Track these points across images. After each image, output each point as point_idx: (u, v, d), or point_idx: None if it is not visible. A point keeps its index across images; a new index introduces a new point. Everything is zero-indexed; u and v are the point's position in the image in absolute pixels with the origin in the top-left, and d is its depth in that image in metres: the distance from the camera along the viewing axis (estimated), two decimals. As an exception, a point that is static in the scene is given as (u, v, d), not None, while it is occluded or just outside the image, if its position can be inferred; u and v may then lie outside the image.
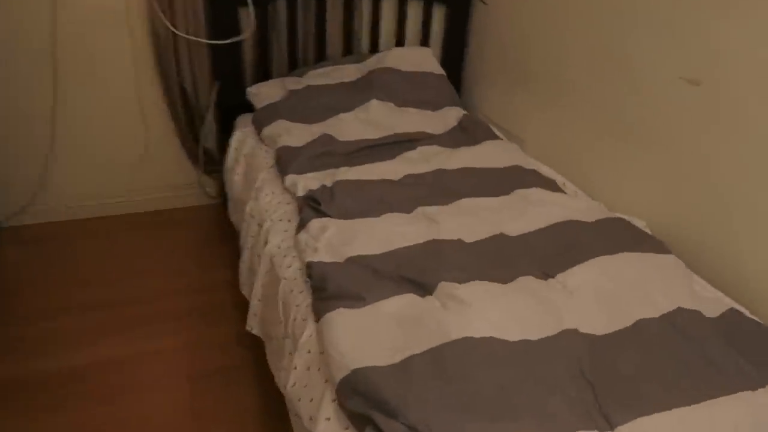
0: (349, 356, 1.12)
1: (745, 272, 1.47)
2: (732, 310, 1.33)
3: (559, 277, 1.39)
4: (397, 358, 1.10)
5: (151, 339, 2.03)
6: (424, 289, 1.34)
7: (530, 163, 2.09)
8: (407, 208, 1.74)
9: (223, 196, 2.70)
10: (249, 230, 1.96)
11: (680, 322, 1.25)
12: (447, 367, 1.06)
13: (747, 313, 1.35)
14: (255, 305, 1.77)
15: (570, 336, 1.18)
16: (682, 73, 1.66)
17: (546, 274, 1.41)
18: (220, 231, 2.65)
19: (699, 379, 1.10)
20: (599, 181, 2.00)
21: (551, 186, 1.91)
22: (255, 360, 1.93)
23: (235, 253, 2.10)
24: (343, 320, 1.24)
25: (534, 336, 1.17)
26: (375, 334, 1.19)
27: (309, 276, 1.44)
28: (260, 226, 1.87)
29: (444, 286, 1.32)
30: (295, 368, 1.30)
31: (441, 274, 1.36)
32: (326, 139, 2.13)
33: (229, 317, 2.14)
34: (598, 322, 1.24)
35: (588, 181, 2.04)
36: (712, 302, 1.36)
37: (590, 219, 1.66)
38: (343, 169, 1.94)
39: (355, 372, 1.08)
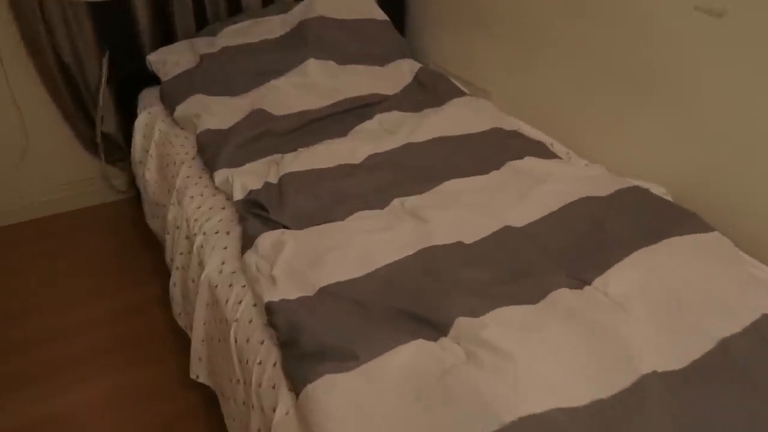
0: None
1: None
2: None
3: (598, 283, 1.08)
4: None
5: (75, 388, 1.60)
6: (434, 327, 1.00)
7: (510, 123, 1.75)
8: (380, 201, 1.37)
9: (135, 188, 2.21)
10: (176, 245, 1.53)
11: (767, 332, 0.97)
12: None
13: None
14: (198, 348, 1.37)
15: (650, 383, 0.88)
16: (699, 1, 1.34)
17: (580, 281, 1.09)
18: (137, 232, 2.17)
19: None
20: (591, 139, 1.70)
21: (543, 152, 1.58)
22: (209, 404, 1.53)
23: (162, 260, 1.66)
24: (335, 395, 0.88)
25: (606, 391, 0.86)
26: (387, 417, 0.84)
27: (271, 324, 1.06)
28: (190, 240, 1.44)
29: (462, 324, 0.98)
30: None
31: (451, 303, 1.02)
32: (259, 115, 1.69)
33: (168, 349, 1.72)
34: (673, 351, 0.94)
35: (578, 140, 1.73)
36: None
37: (604, 192, 1.35)
38: (288, 156, 1.52)
39: None
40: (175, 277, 1.53)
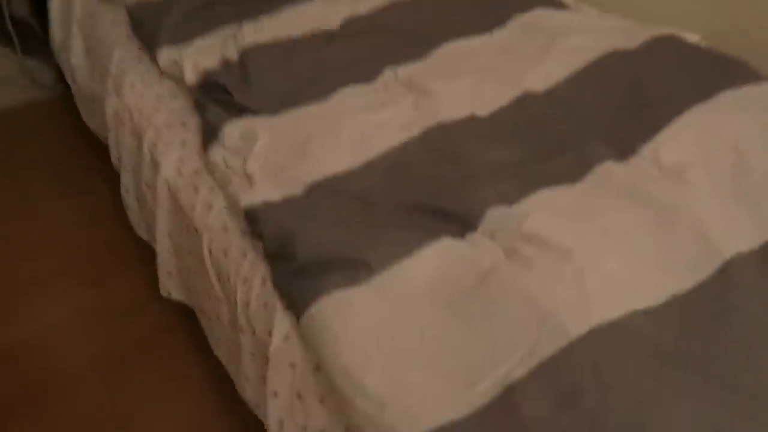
0: (389, 401, 0.61)
1: None
2: None
3: (646, 151, 0.90)
4: (489, 395, 0.59)
5: (36, 314, 1.40)
6: (459, 221, 0.80)
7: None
8: (368, 72, 1.12)
9: (65, 82, 1.88)
10: (122, 144, 1.27)
11: None
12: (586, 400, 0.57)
13: None
14: (166, 261, 1.16)
15: (736, 267, 0.72)
16: None
17: (625, 151, 0.90)
18: (77, 132, 1.86)
19: None
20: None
21: (551, 2, 1.33)
22: (189, 317, 1.35)
23: (110, 161, 1.39)
24: (348, 315, 0.70)
25: (684, 283, 0.70)
26: (414, 338, 0.66)
27: (255, 233, 0.86)
28: (137, 137, 1.19)
29: (496, 215, 0.79)
30: (276, 395, 0.78)
31: (476, 190, 0.82)
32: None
33: (135, 261, 1.49)
34: (752, 225, 0.78)
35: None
36: None
37: (634, 44, 1.14)
38: (247, 26, 1.23)
39: None
40: (126, 181, 1.29)
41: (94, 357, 1.31)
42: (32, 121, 1.97)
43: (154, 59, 1.24)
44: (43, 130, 1.93)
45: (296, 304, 0.75)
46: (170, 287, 1.19)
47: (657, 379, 0.59)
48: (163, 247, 1.15)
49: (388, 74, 1.11)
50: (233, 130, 1.01)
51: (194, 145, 1.08)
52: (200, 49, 1.19)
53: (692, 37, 1.21)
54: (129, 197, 1.30)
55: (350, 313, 0.70)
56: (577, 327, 0.63)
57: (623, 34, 1.17)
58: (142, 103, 1.20)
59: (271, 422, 0.78)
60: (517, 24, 1.23)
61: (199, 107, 1.09)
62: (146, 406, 1.22)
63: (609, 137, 0.94)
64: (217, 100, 1.08)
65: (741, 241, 0.76)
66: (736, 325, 0.66)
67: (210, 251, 0.95)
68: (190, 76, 1.13)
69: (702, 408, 0.58)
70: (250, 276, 0.86)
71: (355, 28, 1.24)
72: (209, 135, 1.03)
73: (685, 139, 0.90)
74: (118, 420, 1.20)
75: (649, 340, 0.62)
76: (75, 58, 1.46)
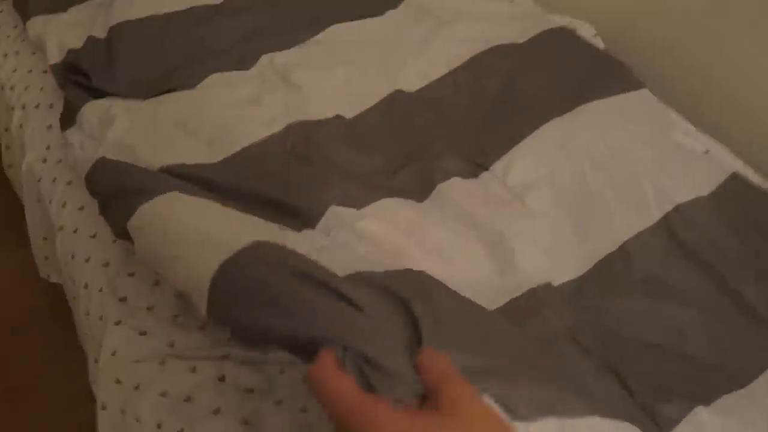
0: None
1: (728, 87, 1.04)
2: (732, 177, 0.92)
3: (497, 168, 0.89)
4: None
5: None
6: (302, 218, 0.79)
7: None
8: (244, 58, 1.07)
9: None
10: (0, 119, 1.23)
11: (678, 228, 0.83)
12: None
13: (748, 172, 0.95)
14: (40, 246, 1.15)
15: (542, 294, 0.73)
16: None
17: (479, 166, 0.90)
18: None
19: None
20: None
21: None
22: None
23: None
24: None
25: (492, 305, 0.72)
26: None
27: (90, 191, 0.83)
28: (9, 115, 1.14)
29: (334, 213, 0.79)
30: (104, 408, 0.80)
31: (324, 191, 0.82)
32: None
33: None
34: (573, 256, 0.79)
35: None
36: (704, 164, 0.94)
37: (523, 37, 1.10)
38: (121, -3, 1.16)
39: None
40: (7, 157, 1.25)
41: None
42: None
43: (24, 29, 1.18)
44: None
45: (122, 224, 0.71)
46: (49, 270, 1.18)
47: None
48: (35, 233, 1.13)
49: (264, 61, 1.07)
50: (92, 113, 0.97)
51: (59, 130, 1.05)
52: (69, 23, 1.12)
53: (587, 30, 1.18)
54: (11, 172, 1.27)
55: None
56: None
57: (515, 24, 1.13)
58: (15, 78, 1.15)
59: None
60: (409, 5, 1.17)
61: (62, 88, 1.05)
62: (33, 381, 1.25)
63: (470, 149, 0.92)
64: (79, 83, 1.03)
65: (558, 272, 0.77)
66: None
67: (61, 251, 0.94)
68: (53, 55, 1.07)
69: None
70: (90, 284, 0.86)
71: (238, 2, 1.17)
72: (67, 117, 0.99)
73: (535, 157, 0.89)
74: (6, 396, 1.23)
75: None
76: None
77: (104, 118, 0.97)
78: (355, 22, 1.15)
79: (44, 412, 1.19)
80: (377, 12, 1.17)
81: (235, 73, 1.06)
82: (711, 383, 0.70)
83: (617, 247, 0.81)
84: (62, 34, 1.10)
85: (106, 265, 0.86)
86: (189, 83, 1.03)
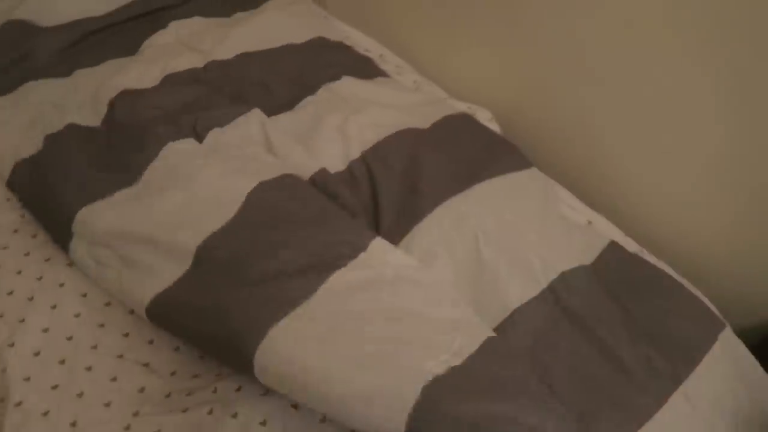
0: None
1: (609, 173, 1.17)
2: (611, 246, 1.03)
3: (403, 245, 0.96)
4: None
5: None
6: None
7: (337, 31, 1.51)
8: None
9: None
10: None
11: (562, 294, 0.91)
12: None
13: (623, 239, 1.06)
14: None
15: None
16: None
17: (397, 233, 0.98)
18: None
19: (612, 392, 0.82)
20: (425, 50, 1.51)
21: (367, 69, 1.38)
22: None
23: None
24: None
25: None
26: None
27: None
28: None
29: None
30: None
31: None
32: (17, 29, 1.32)
33: None
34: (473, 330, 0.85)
35: (411, 51, 1.54)
36: (586, 235, 1.04)
37: (427, 123, 1.20)
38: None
39: None
40: None
41: None
42: None
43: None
44: None
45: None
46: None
47: None
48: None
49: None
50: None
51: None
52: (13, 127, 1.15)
53: (484, 115, 1.30)
54: None
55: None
56: None
57: (419, 111, 1.23)
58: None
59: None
60: (326, 94, 1.27)
61: None
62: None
63: (381, 225, 0.99)
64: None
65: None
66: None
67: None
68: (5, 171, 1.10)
69: None
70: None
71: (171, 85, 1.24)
72: None
73: (434, 234, 0.97)
74: None
75: None
76: None
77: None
78: (275, 116, 1.22)
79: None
80: (297, 99, 1.25)
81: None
82: None
83: (508, 314, 0.88)
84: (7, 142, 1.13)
85: (12, 345, 0.86)
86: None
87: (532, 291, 0.91)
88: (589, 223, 1.08)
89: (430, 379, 0.72)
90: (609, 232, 1.07)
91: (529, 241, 0.97)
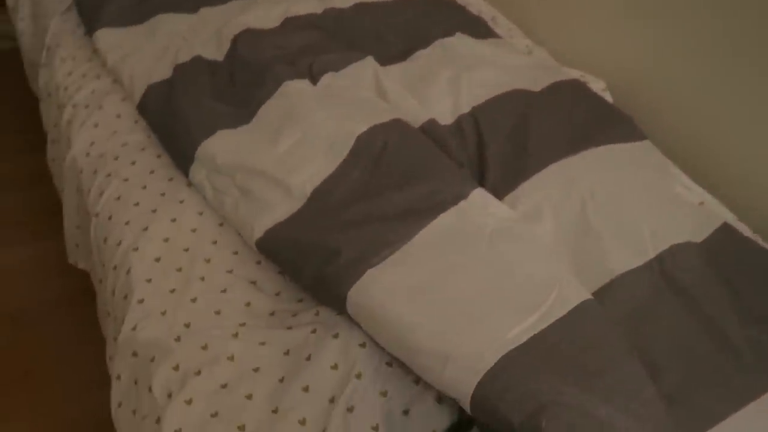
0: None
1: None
2: (724, 227, 0.98)
3: (507, 202, 0.96)
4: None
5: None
6: None
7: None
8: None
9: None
10: (49, 115, 1.33)
11: (670, 267, 0.89)
12: None
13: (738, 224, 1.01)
14: (72, 233, 1.23)
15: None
16: None
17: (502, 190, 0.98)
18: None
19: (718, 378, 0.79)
20: (538, 14, 1.48)
21: (479, 29, 1.37)
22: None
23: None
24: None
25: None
26: None
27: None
28: (60, 111, 1.24)
29: None
30: (119, 378, 0.85)
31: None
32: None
33: None
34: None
35: (524, 14, 1.51)
36: (698, 214, 1.00)
37: (538, 86, 1.19)
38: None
39: None
40: (51, 151, 1.35)
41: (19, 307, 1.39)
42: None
43: (87, 35, 1.29)
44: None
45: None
46: (77, 257, 1.26)
47: None
48: (69, 221, 1.21)
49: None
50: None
51: (106, 129, 1.15)
52: (145, 53, 1.23)
53: (598, 85, 1.26)
54: (54, 166, 1.36)
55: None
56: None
57: (531, 74, 1.21)
58: (68, 80, 1.25)
59: (113, 403, 0.85)
60: (437, 49, 1.27)
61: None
62: (47, 366, 1.30)
63: (486, 180, 1.00)
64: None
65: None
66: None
67: (95, 236, 1.02)
68: (137, 94, 1.17)
69: None
70: (119, 265, 0.93)
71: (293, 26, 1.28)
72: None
73: (541, 194, 0.96)
74: (21, 377, 1.28)
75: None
76: (21, 23, 1.50)
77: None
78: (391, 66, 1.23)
79: (57, 394, 1.24)
80: (410, 52, 1.26)
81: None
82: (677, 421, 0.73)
83: (609, 280, 0.87)
84: (138, 65, 1.20)
85: (136, 249, 0.93)
86: None
87: (638, 260, 0.89)
88: (701, 204, 1.04)
89: (511, 348, 0.71)
90: (722, 214, 1.02)
91: (639, 211, 0.95)
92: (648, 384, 0.70)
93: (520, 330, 0.72)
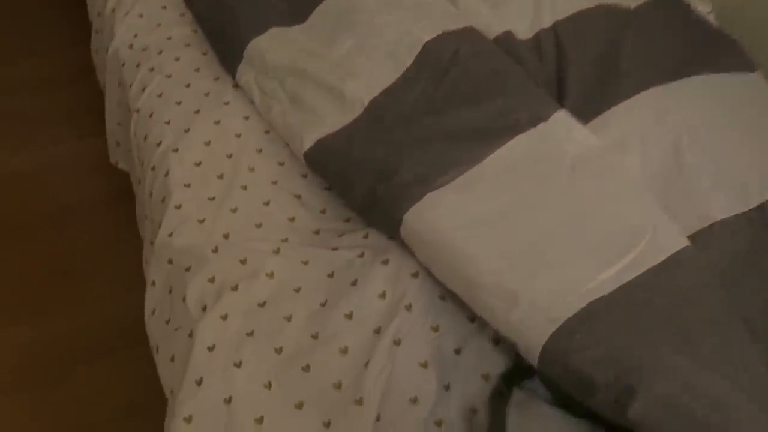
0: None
1: None
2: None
3: (593, 125, 0.84)
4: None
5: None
6: None
7: None
8: None
9: None
10: (95, 1, 1.25)
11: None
12: None
13: None
14: (113, 130, 1.18)
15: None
16: None
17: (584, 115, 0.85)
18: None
19: None
20: None
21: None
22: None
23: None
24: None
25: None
26: None
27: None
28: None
29: None
30: (153, 284, 0.81)
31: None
32: None
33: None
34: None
35: None
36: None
37: (633, 3, 1.03)
38: None
39: None
40: (95, 41, 1.28)
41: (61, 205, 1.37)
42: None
43: None
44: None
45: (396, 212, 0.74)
46: (118, 156, 1.21)
47: None
48: (111, 117, 1.16)
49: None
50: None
51: (150, 20, 1.06)
52: None
53: (704, 8, 1.09)
54: (98, 59, 1.30)
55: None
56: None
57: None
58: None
59: (147, 309, 0.82)
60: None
61: None
62: (86, 263, 1.29)
63: (565, 102, 0.88)
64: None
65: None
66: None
67: (135, 133, 0.96)
68: None
69: None
70: (158, 167, 0.87)
71: None
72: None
73: (629, 123, 0.84)
74: (61, 274, 1.27)
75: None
76: None
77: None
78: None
79: (95, 292, 1.24)
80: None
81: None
82: None
83: (707, 225, 0.76)
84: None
85: (176, 150, 0.87)
86: None
87: (740, 206, 0.77)
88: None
89: (595, 298, 0.62)
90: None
91: (743, 152, 0.82)
92: (754, 352, 0.60)
93: (605, 277, 0.63)
